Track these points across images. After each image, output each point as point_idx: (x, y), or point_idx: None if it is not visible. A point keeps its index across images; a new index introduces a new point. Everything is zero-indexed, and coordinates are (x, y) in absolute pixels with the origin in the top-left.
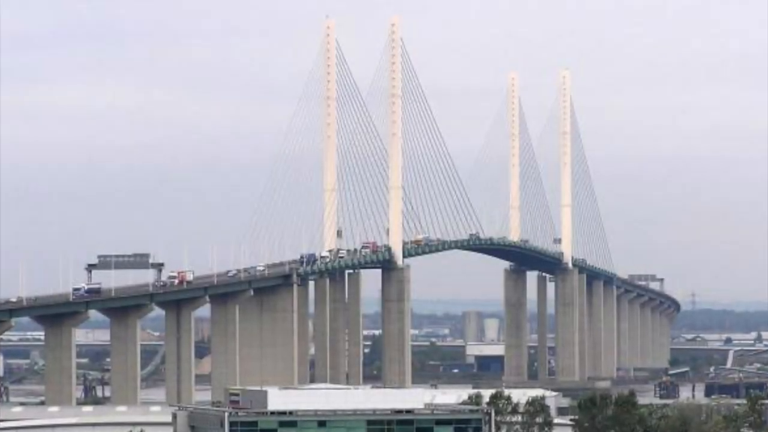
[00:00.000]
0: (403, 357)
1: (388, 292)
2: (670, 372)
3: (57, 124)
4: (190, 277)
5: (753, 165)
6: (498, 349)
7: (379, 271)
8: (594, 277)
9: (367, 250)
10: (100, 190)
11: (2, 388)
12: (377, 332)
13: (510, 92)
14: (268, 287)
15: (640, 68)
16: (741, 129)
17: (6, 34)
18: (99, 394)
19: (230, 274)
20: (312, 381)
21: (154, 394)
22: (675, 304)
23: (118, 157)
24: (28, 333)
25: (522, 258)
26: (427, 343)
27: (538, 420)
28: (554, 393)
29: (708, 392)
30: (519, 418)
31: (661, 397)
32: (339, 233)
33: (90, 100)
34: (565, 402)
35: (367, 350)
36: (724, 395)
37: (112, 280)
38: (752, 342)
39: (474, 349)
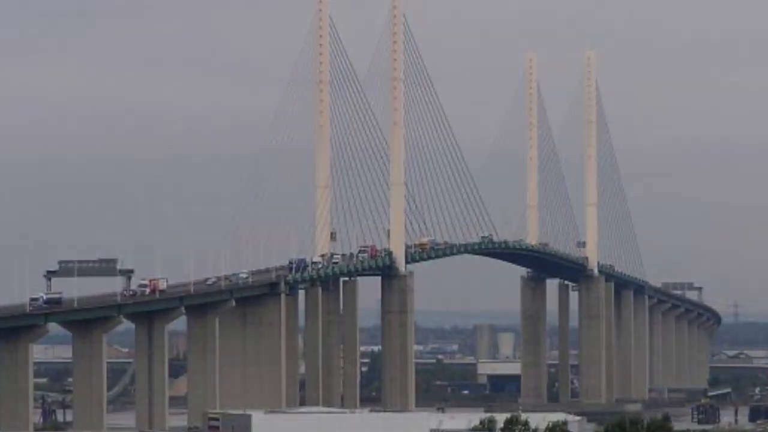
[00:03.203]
0: (406, 376)
1: (388, 302)
2: (710, 393)
3: (8, 112)
4: (163, 285)
5: None
6: (513, 368)
7: (379, 278)
8: (623, 285)
9: (365, 255)
10: (60, 186)
11: None
12: (376, 348)
13: (527, 75)
14: (252, 297)
15: (674, 47)
16: None
17: None
18: (60, 418)
19: (209, 282)
20: (302, 404)
21: (123, 418)
22: (715, 317)
23: (79, 149)
24: None
25: (541, 264)
26: (433, 361)
27: None
28: (578, 417)
29: (752, 416)
30: None
31: (699, 421)
32: (333, 236)
33: (47, 83)
34: (590, 427)
35: (364, 369)
36: None
37: (74, 289)
38: None
39: (486, 368)
